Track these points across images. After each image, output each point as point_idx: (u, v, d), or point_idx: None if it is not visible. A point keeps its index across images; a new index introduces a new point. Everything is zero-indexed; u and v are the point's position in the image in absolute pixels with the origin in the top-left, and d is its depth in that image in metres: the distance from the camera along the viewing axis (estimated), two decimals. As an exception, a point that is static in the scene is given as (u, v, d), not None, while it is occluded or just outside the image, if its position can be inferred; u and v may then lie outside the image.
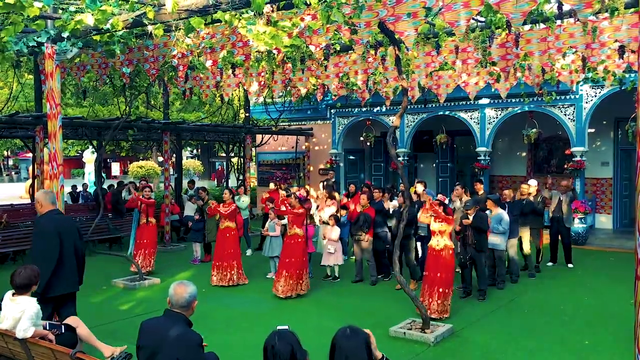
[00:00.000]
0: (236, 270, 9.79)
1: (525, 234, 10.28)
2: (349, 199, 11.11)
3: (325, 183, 12.89)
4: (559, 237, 11.01)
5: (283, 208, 9.16)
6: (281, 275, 8.90)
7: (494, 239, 9.13)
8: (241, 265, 9.93)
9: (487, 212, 9.21)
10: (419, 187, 10.41)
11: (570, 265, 10.96)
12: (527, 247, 10.30)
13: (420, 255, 9.88)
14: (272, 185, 12.83)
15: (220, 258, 9.80)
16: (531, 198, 10.34)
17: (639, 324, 4.13)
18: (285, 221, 10.34)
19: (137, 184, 15.00)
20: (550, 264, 11.07)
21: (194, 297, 3.78)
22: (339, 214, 10.42)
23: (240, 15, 5.35)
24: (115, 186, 16.23)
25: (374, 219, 9.76)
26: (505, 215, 9.13)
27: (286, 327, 3.10)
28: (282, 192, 11.10)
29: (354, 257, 10.29)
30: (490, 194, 11.01)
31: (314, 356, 3.17)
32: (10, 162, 50.29)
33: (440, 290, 7.65)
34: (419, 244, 9.72)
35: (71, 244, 5.88)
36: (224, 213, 9.91)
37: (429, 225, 9.11)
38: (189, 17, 5.58)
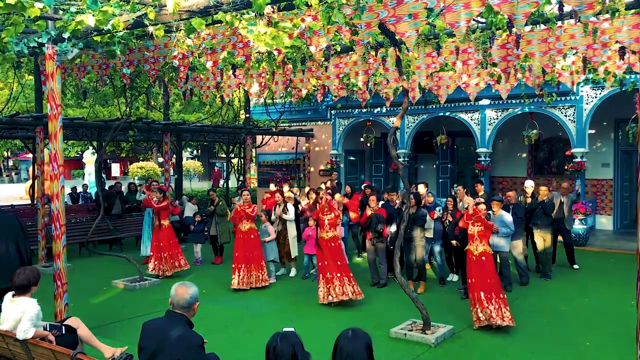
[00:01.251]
0: (262, 271, 9.61)
1: (548, 236, 10.23)
2: (348, 200, 11.10)
3: (329, 183, 12.89)
4: (559, 239, 10.99)
5: (328, 215, 8.81)
6: (329, 279, 8.46)
7: (498, 241, 9.12)
8: (265, 266, 9.76)
9: (491, 213, 9.19)
10: (421, 188, 10.39)
11: (575, 267, 10.91)
12: (548, 245, 10.24)
13: (439, 259, 9.81)
14: (272, 186, 12.82)
15: (245, 260, 9.52)
16: (529, 199, 10.35)
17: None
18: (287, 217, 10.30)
19: (137, 185, 15.00)
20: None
21: (196, 298, 3.78)
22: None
23: (241, 16, 5.35)
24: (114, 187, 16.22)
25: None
26: (509, 216, 9.11)
27: (292, 329, 3.09)
28: (287, 194, 10.95)
29: (359, 259, 10.24)
30: (491, 195, 11.01)
31: (316, 358, 3.16)
32: (10, 163, 50.27)
33: (501, 295, 7.32)
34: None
35: (5, 240, 5.88)
36: (250, 214, 9.71)
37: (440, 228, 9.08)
38: (190, 18, 5.58)
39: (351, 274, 8.51)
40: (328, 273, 8.43)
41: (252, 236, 9.68)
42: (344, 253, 8.78)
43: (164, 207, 10.70)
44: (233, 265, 9.57)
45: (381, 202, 10.03)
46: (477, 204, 7.72)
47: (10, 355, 5.04)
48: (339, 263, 8.48)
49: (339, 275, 8.37)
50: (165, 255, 10.54)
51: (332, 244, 8.60)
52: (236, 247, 9.69)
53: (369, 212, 9.52)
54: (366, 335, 2.98)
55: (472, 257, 7.56)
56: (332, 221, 8.71)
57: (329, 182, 13.12)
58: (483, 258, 7.47)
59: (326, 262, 8.50)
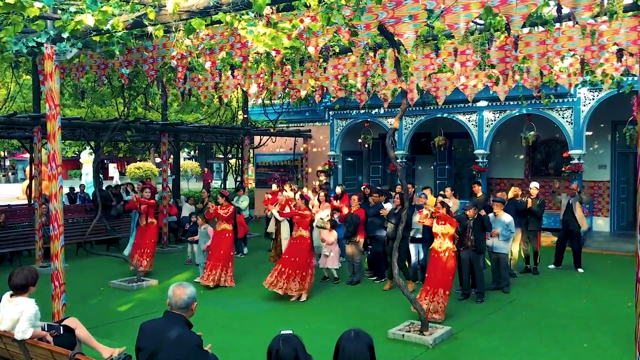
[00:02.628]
0: (227, 271, 9.77)
1: (517, 236, 10.30)
2: (338, 201, 11.15)
3: (319, 184, 12.94)
4: (568, 241, 11.00)
5: (287, 210, 9.16)
6: (276, 270, 8.87)
7: (498, 243, 9.12)
8: (232, 267, 9.92)
9: (491, 215, 9.20)
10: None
11: (580, 270, 10.87)
12: (515, 250, 10.32)
13: (414, 258, 9.88)
14: (274, 187, 12.84)
15: (214, 258, 9.77)
16: (530, 200, 10.37)
17: None
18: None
19: (134, 185, 14.99)
20: (552, 266, 11.07)
21: (193, 298, 3.78)
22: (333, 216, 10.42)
23: (241, 17, 5.35)
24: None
25: (370, 221, 9.77)
26: (509, 218, 9.12)
27: (290, 331, 3.09)
28: (286, 194, 11.06)
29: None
30: (489, 196, 11.03)
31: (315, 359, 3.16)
32: (7, 163, 50.13)
33: (436, 290, 7.67)
34: (412, 245, 9.71)
35: None
36: (223, 215, 9.90)
37: (426, 227, 9.13)
38: (189, 18, 5.58)
39: (309, 271, 8.84)
40: (282, 267, 8.82)
41: (224, 237, 9.88)
42: (307, 251, 8.96)
43: (152, 204, 10.79)
44: (206, 262, 9.98)
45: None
46: (442, 203, 8.06)
47: (8, 356, 5.03)
48: (297, 259, 8.80)
49: (289, 271, 8.75)
50: (144, 251, 10.65)
51: (295, 242, 8.97)
52: (211, 246, 9.99)
53: (345, 210, 9.73)
54: (368, 336, 2.98)
55: (435, 254, 7.85)
56: (300, 221, 8.96)
57: (317, 182, 13.22)
58: (446, 254, 7.74)
59: (286, 256, 8.95)
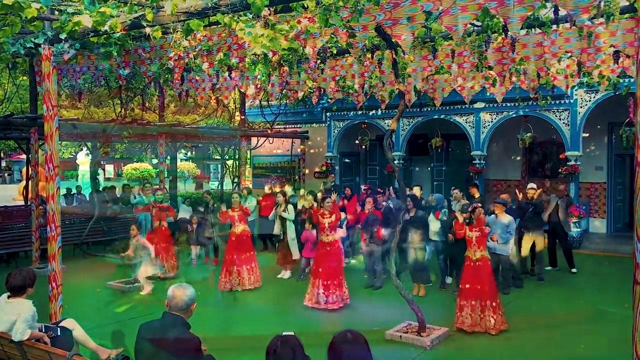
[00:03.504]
0: (255, 272, 9.73)
1: (540, 238, 10.24)
2: (347, 202, 11.14)
3: (324, 186, 12.94)
4: (557, 242, 11.02)
5: (328, 219, 8.74)
6: (318, 285, 8.45)
7: (499, 245, 9.11)
8: (259, 267, 9.88)
9: (493, 216, 9.19)
10: (416, 191, 10.40)
11: (573, 270, 10.86)
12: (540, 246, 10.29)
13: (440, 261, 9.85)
14: (266, 189, 12.84)
15: (238, 262, 9.63)
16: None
17: (637, 327, 4.15)
18: None
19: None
20: (549, 268, 11.07)
21: (193, 299, 3.78)
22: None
23: (238, 18, 5.35)
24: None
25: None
26: (510, 219, 9.11)
27: (291, 333, 3.09)
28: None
29: (353, 261, 10.29)
30: (485, 198, 11.04)
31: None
32: (3, 164, 49.94)
33: (494, 304, 7.29)
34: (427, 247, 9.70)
35: None
36: (244, 212, 9.90)
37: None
38: (187, 20, 5.57)
39: (343, 278, 8.52)
40: (319, 280, 8.42)
41: (245, 238, 9.82)
42: (341, 255, 8.80)
43: (165, 207, 10.79)
44: (222, 266, 9.80)
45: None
46: (475, 208, 7.69)
47: (6, 357, 5.02)
48: (333, 266, 8.46)
49: (327, 283, 8.36)
50: (166, 255, 10.63)
51: (329, 248, 8.60)
52: (228, 249, 9.83)
53: (348, 216, 9.61)
54: (361, 335, 2.96)
55: (469, 263, 7.55)
56: (332, 224, 8.70)
57: (322, 185, 13.19)
58: (479, 264, 7.46)
59: (320, 269, 8.50)
